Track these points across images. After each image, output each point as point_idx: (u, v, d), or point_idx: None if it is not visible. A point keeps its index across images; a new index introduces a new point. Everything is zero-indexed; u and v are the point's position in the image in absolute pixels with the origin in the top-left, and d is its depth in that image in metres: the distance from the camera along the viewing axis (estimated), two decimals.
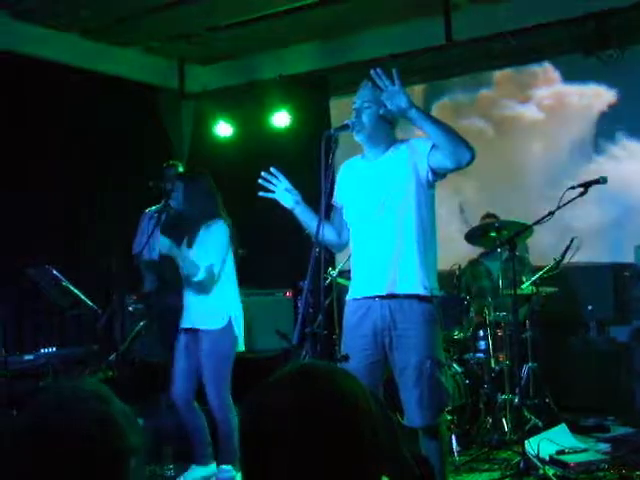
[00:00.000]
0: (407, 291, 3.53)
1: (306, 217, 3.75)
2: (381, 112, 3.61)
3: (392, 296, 3.54)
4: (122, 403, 1.45)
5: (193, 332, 4.74)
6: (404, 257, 3.55)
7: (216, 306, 4.71)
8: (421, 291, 3.53)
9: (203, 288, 4.70)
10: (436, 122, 3.46)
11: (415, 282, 3.54)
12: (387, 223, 3.57)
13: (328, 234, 3.66)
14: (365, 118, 3.61)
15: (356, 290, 3.67)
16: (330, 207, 3.73)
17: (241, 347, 4.76)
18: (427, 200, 3.62)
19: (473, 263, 6.37)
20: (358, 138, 3.65)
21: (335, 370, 1.39)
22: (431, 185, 3.61)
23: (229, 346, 4.71)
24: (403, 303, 3.54)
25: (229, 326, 4.69)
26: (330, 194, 3.65)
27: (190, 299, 4.76)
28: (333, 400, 1.29)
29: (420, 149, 3.58)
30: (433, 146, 3.52)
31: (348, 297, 3.71)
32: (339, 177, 3.80)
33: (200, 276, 4.62)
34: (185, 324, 4.78)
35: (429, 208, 3.63)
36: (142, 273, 5.80)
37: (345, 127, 3.61)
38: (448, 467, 3.75)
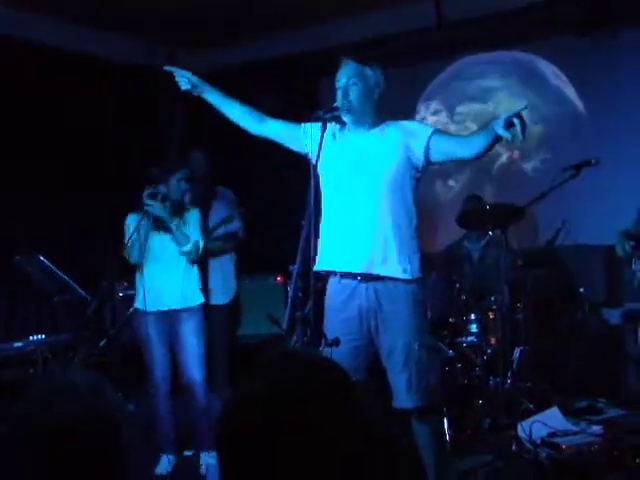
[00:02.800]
0: (386, 274, 3.51)
1: (214, 98, 3.81)
2: (372, 93, 3.59)
3: (377, 278, 3.52)
4: (115, 394, 1.43)
5: (166, 314, 4.75)
6: (385, 238, 3.52)
7: (196, 285, 4.83)
8: (400, 275, 3.51)
9: (189, 263, 4.77)
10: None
11: (395, 265, 3.51)
12: (370, 200, 3.53)
13: (250, 115, 3.80)
14: (353, 96, 3.55)
15: (328, 262, 3.60)
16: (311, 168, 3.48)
17: None
18: (413, 183, 3.60)
19: (456, 245, 6.35)
20: (346, 118, 3.60)
21: (316, 356, 1.36)
22: (419, 170, 3.60)
23: (205, 325, 4.85)
24: (388, 285, 3.52)
25: (203, 304, 4.86)
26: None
27: (170, 280, 4.75)
28: (315, 388, 1.26)
29: (419, 132, 3.57)
30: (435, 132, 3.55)
31: (317, 267, 3.59)
32: (315, 131, 3.55)
33: (188, 246, 4.68)
34: (159, 306, 4.75)
35: (414, 191, 3.61)
36: None
37: (334, 109, 3.56)
38: (442, 450, 3.74)
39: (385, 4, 6.91)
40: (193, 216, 4.84)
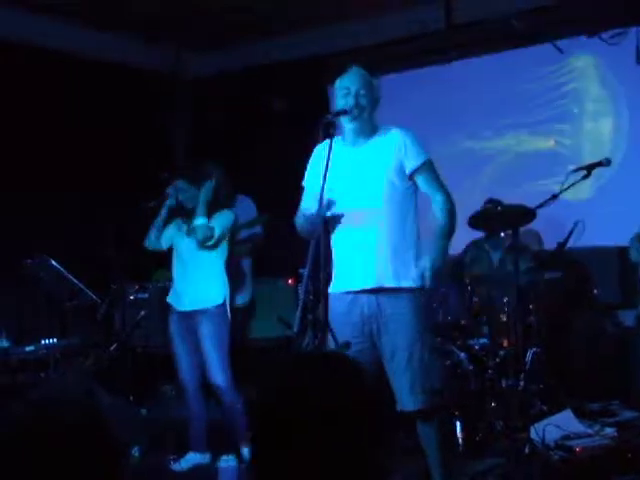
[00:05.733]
0: (399, 285, 3.53)
1: None
2: (376, 105, 3.61)
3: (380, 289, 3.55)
4: (113, 397, 1.44)
5: (187, 315, 4.79)
6: (393, 250, 3.54)
7: (215, 287, 4.81)
8: (412, 284, 3.54)
9: (211, 264, 4.80)
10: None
11: (407, 276, 3.54)
12: (373, 212, 3.54)
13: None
14: (363, 104, 3.56)
15: (342, 283, 3.62)
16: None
17: None
18: (411, 189, 3.65)
19: (476, 245, 6.31)
20: (352, 125, 3.59)
21: (344, 354, 1.42)
22: (409, 178, 3.66)
23: (226, 326, 4.80)
24: (389, 291, 3.55)
25: (225, 306, 4.80)
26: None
27: (190, 281, 4.80)
28: (350, 382, 1.29)
29: (412, 156, 3.60)
30: (422, 168, 3.61)
31: (332, 290, 3.63)
32: (314, 160, 3.70)
33: (212, 241, 4.73)
34: (180, 306, 4.82)
35: (413, 196, 3.66)
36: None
37: (343, 112, 3.55)
38: (446, 453, 3.73)
39: (394, 8, 6.89)
40: (223, 215, 4.85)
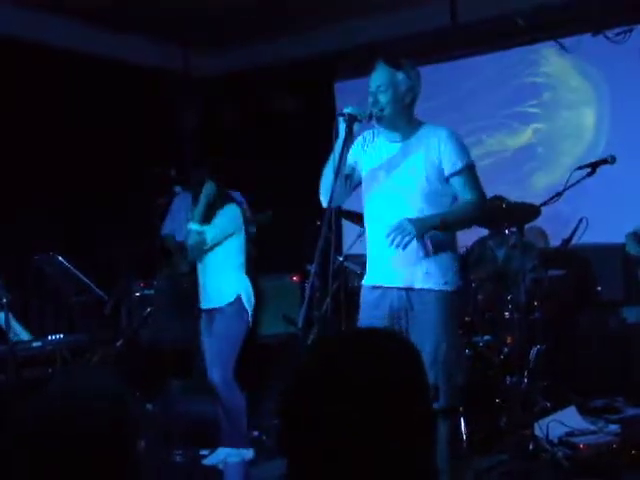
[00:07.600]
0: (429, 287, 3.53)
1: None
2: (403, 99, 3.56)
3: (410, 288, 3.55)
4: (133, 400, 1.44)
5: (207, 312, 4.86)
6: (425, 251, 3.52)
7: (225, 285, 4.81)
8: (442, 287, 3.53)
9: (223, 263, 4.80)
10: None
11: (437, 278, 3.53)
12: (407, 213, 3.52)
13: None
14: (382, 103, 3.52)
15: (372, 277, 3.65)
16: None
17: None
18: (450, 193, 3.60)
19: (480, 245, 6.32)
20: (376, 123, 3.57)
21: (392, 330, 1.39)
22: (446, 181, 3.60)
23: (240, 325, 4.81)
24: (422, 290, 3.55)
25: (239, 304, 4.79)
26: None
27: (205, 279, 4.86)
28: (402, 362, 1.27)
29: (451, 159, 3.53)
30: (461, 172, 3.53)
31: (364, 282, 3.67)
32: (356, 148, 3.65)
33: (206, 246, 4.73)
34: (203, 305, 4.89)
35: (452, 197, 3.61)
36: (174, 254, 5.96)
37: (369, 117, 3.50)
38: (457, 451, 3.75)
39: (400, 6, 6.90)
40: (226, 213, 4.83)
